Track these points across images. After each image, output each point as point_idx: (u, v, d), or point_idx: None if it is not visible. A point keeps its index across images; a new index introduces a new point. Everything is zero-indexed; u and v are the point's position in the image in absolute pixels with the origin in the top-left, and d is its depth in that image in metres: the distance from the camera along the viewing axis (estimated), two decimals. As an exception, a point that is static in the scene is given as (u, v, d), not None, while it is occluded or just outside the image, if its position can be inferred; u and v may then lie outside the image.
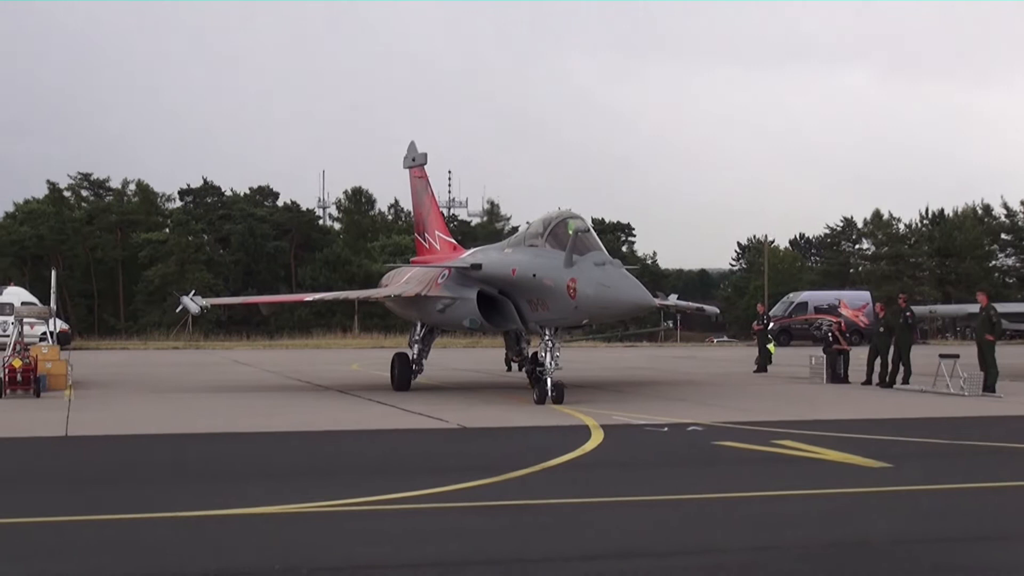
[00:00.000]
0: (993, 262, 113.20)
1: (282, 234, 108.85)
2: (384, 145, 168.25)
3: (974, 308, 35.87)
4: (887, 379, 33.20)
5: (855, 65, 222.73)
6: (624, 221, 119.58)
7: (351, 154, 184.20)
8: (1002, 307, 37.48)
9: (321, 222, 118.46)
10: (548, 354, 27.01)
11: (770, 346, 43.91)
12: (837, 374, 35.45)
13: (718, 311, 49.13)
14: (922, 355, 37.60)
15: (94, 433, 21.82)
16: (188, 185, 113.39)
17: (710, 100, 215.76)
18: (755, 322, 46.07)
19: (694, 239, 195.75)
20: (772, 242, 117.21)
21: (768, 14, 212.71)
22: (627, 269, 26.73)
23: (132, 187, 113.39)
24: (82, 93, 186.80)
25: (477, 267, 29.84)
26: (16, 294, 59.04)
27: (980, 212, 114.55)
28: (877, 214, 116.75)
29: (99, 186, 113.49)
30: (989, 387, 30.03)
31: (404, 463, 18.04)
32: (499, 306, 29.05)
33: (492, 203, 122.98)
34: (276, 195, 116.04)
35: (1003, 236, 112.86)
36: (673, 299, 38.74)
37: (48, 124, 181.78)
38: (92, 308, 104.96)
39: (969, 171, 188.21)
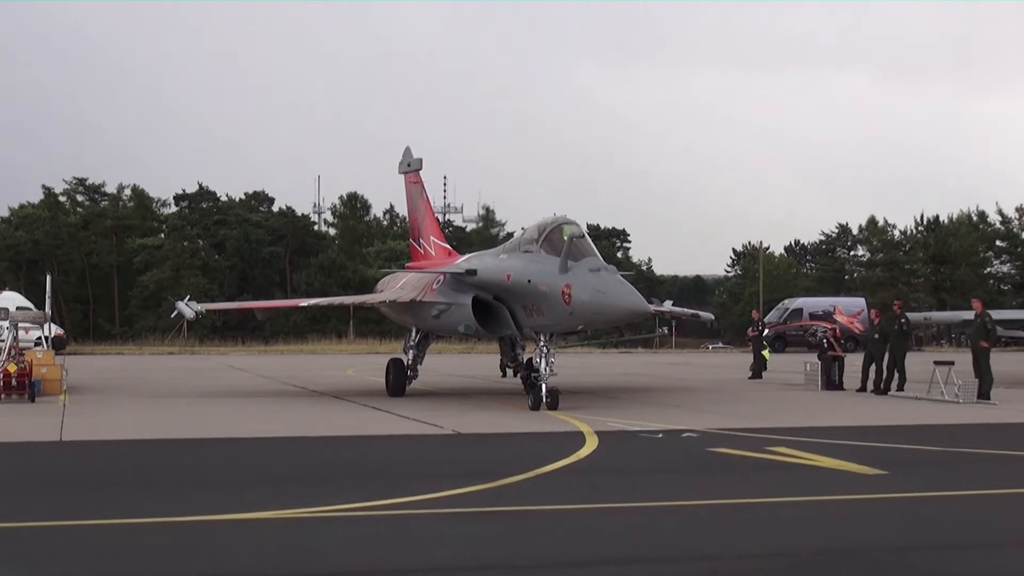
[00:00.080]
0: (988, 269, 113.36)
1: (277, 239, 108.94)
2: (379, 151, 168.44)
3: (969, 315, 35.85)
4: (882, 386, 33.20)
5: (851, 70, 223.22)
6: (619, 227, 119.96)
7: (346, 160, 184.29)
8: (997, 314, 37.56)
9: (316, 227, 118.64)
10: (543, 360, 27.01)
11: (765, 352, 43.90)
12: (832, 381, 35.44)
13: (713, 317, 49.29)
14: (917, 362, 37.62)
15: (88, 438, 21.81)
16: (184, 190, 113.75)
17: (706, 106, 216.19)
18: (750, 328, 46.09)
19: (689, 245, 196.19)
20: (767, 248, 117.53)
21: (765, 18, 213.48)
22: (622, 275, 26.77)
23: (128, 192, 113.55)
24: (78, 98, 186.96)
25: (472, 273, 29.84)
26: (11, 299, 58.89)
27: (975, 219, 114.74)
28: (872, 220, 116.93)
29: (95, 191, 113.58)
30: (984, 394, 30.03)
31: (399, 469, 18.02)
32: (494, 312, 29.05)
33: (487, 209, 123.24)
34: (271, 200, 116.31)
35: (998, 243, 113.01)
36: (668, 305, 38.77)
37: (44, 129, 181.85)
38: (87, 313, 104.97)
39: (964, 177, 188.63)
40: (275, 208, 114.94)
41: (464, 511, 13.51)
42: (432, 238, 37.34)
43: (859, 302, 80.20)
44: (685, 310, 41.49)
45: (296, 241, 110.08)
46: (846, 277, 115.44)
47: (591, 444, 20.21)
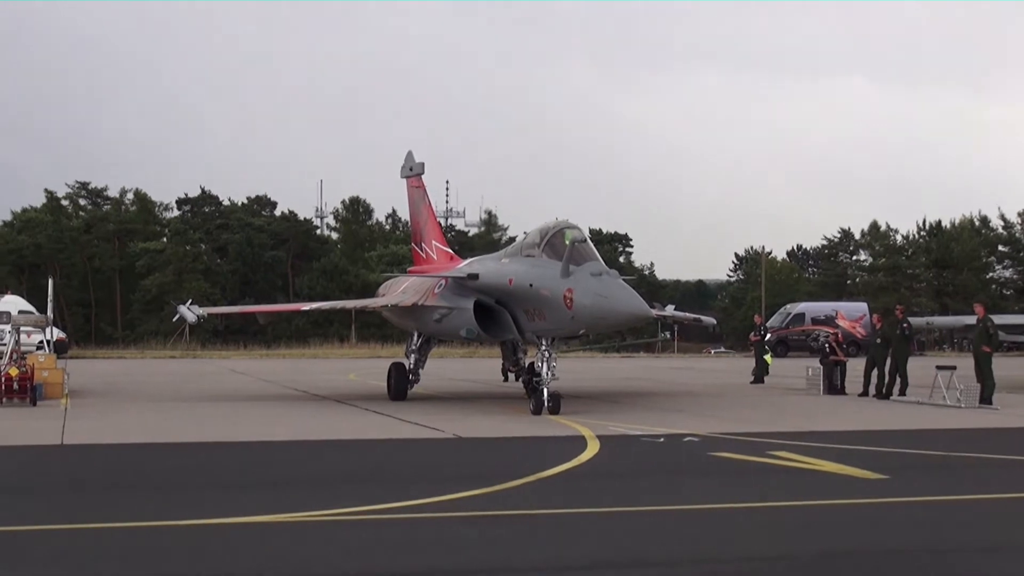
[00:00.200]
0: (990, 274, 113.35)
1: (279, 244, 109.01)
2: (382, 155, 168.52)
3: (971, 320, 35.85)
4: (884, 391, 33.17)
5: (853, 74, 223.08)
6: (622, 231, 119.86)
7: (349, 164, 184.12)
8: (999, 319, 37.50)
9: (318, 232, 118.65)
10: (545, 364, 27.00)
11: (767, 357, 43.88)
12: (834, 385, 35.42)
13: (715, 322, 49.21)
14: (919, 367, 37.59)
15: (90, 442, 21.80)
16: (186, 194, 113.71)
17: (708, 110, 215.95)
18: (752, 333, 46.05)
19: (692, 250, 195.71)
20: (770, 253, 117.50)
21: (765, 21, 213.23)
22: (624, 279, 26.75)
23: (130, 196, 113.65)
24: (81, 102, 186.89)
25: (474, 277, 29.83)
26: (13, 303, 59.02)
27: (977, 224, 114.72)
28: (874, 225, 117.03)
29: (97, 195, 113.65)
30: (986, 399, 29.99)
31: (400, 473, 18.02)
32: (496, 316, 29.05)
33: (490, 213, 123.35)
34: (274, 205, 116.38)
35: (1000, 248, 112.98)
36: (670, 310, 38.78)
37: (46, 133, 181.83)
38: (89, 317, 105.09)
39: (966, 182, 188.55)
40: (277, 212, 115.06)
41: (465, 515, 13.50)
42: (434, 242, 37.34)
43: (861, 307, 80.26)
44: (687, 314, 41.49)
45: (298, 245, 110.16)
46: (848, 282, 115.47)
47: (593, 448, 20.20)
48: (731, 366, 60.95)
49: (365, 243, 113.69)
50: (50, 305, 37.98)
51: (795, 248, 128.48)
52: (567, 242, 26.52)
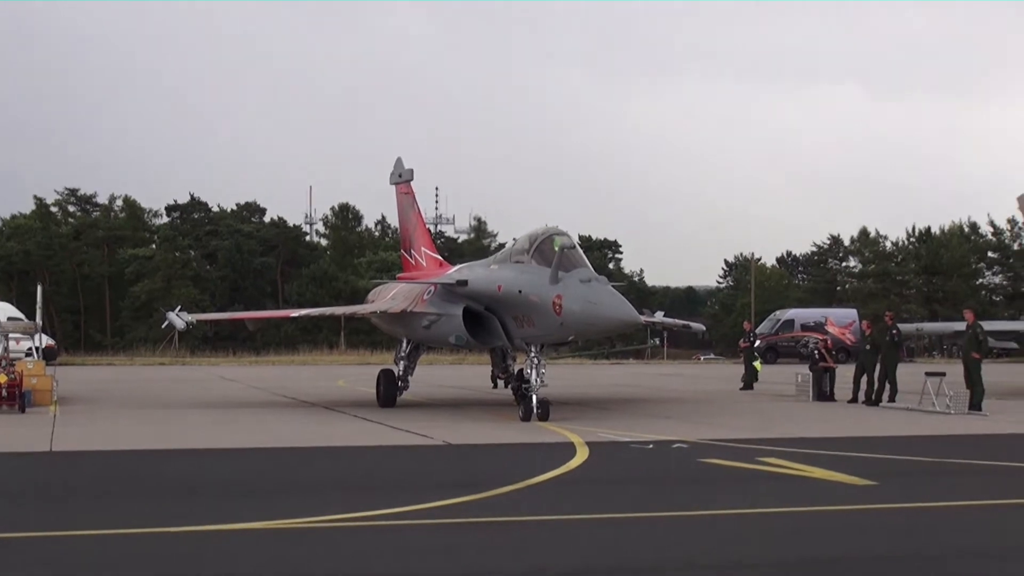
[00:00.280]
0: (980, 280, 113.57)
1: (269, 250, 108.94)
2: (371, 162, 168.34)
3: (961, 326, 35.95)
4: (873, 397, 33.22)
5: (844, 81, 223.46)
6: (611, 238, 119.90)
7: (338, 170, 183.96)
8: (989, 325, 37.61)
9: (308, 238, 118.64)
10: (534, 371, 26.99)
11: (756, 363, 43.93)
12: (823, 392, 35.46)
13: (704, 328, 49.28)
14: (908, 373, 37.65)
15: (79, 448, 21.75)
16: (175, 201, 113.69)
17: (699, 116, 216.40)
18: (741, 340, 46.11)
19: (681, 256, 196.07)
20: (759, 260, 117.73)
21: (759, 30, 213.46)
22: (613, 286, 26.77)
23: (119, 203, 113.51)
24: (70, 108, 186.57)
25: (463, 283, 29.83)
26: (2, 309, 58.71)
27: (967, 230, 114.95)
28: (864, 232, 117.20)
29: (86, 202, 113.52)
30: (975, 405, 30.07)
31: (389, 480, 18.01)
32: (485, 323, 29.04)
33: (479, 220, 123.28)
34: (263, 211, 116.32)
35: (990, 254, 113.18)
36: (659, 316, 38.79)
37: (35, 139, 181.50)
38: (78, 324, 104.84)
39: (956, 189, 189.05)
40: (267, 219, 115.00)
41: (453, 522, 13.51)
42: (423, 249, 37.33)
43: (851, 313, 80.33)
44: (676, 321, 41.54)
45: (288, 252, 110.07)
46: (838, 288, 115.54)
47: (582, 455, 20.21)
48: (720, 372, 60.98)
49: (354, 249, 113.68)
50: (39, 312, 37.85)
51: (785, 255, 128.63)
52: (556, 248, 26.54)
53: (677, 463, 19.78)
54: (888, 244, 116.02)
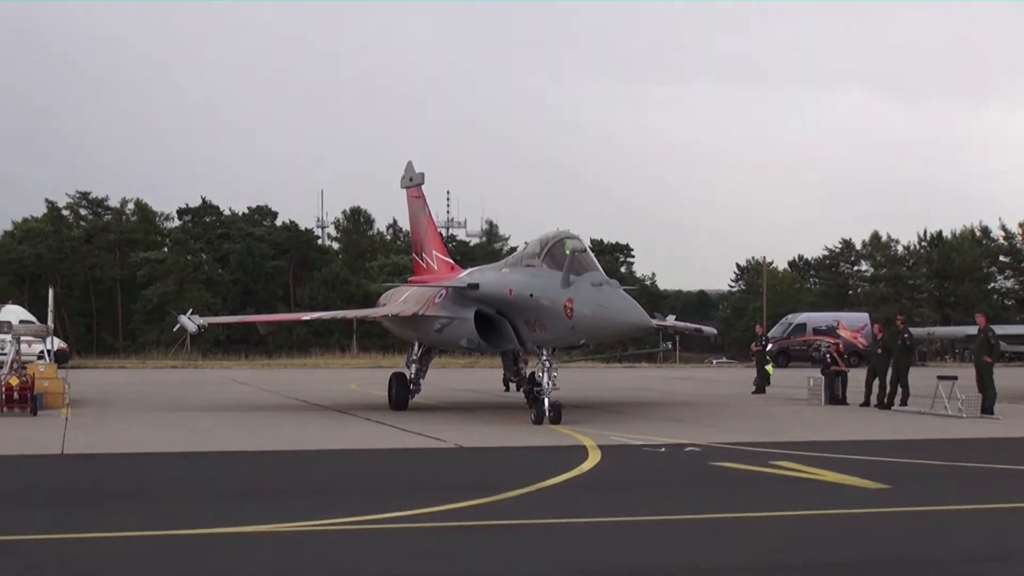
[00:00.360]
0: (992, 284, 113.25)
1: (280, 253, 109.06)
2: (382, 165, 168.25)
3: (972, 330, 35.86)
4: (885, 401, 33.16)
5: (855, 85, 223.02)
6: (623, 242, 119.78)
7: (349, 174, 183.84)
8: (1000, 329, 37.54)
9: (320, 242, 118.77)
10: (546, 374, 26.99)
11: (768, 367, 43.85)
12: (835, 395, 35.39)
13: (716, 332, 49.13)
14: (920, 377, 37.51)
15: (90, 451, 21.80)
16: (187, 204, 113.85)
17: (709, 121, 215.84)
18: (754, 343, 46.01)
19: (693, 260, 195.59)
20: (771, 263, 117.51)
21: (767, 35, 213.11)
22: (625, 290, 26.76)
23: (131, 206, 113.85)
24: (82, 112, 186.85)
25: (475, 287, 29.83)
26: (14, 312, 58.90)
27: (978, 234, 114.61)
28: (876, 236, 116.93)
29: (98, 205, 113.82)
30: (987, 409, 29.99)
31: (400, 482, 18.02)
32: (496, 326, 29.03)
33: (491, 223, 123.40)
34: (275, 215, 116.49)
35: (1001, 258, 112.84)
36: (671, 320, 38.73)
37: (47, 142, 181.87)
38: (90, 327, 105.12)
39: (967, 193, 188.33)
40: (278, 222, 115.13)
41: (465, 525, 13.50)
42: (435, 252, 37.34)
43: (863, 317, 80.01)
44: (688, 324, 41.45)
45: (299, 255, 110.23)
46: (850, 292, 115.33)
47: (594, 458, 20.19)
48: (733, 376, 60.90)
49: (366, 253, 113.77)
50: (51, 315, 37.94)
51: (796, 258, 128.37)
52: (567, 252, 26.54)
53: (689, 466, 19.75)
54: (900, 248, 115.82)
